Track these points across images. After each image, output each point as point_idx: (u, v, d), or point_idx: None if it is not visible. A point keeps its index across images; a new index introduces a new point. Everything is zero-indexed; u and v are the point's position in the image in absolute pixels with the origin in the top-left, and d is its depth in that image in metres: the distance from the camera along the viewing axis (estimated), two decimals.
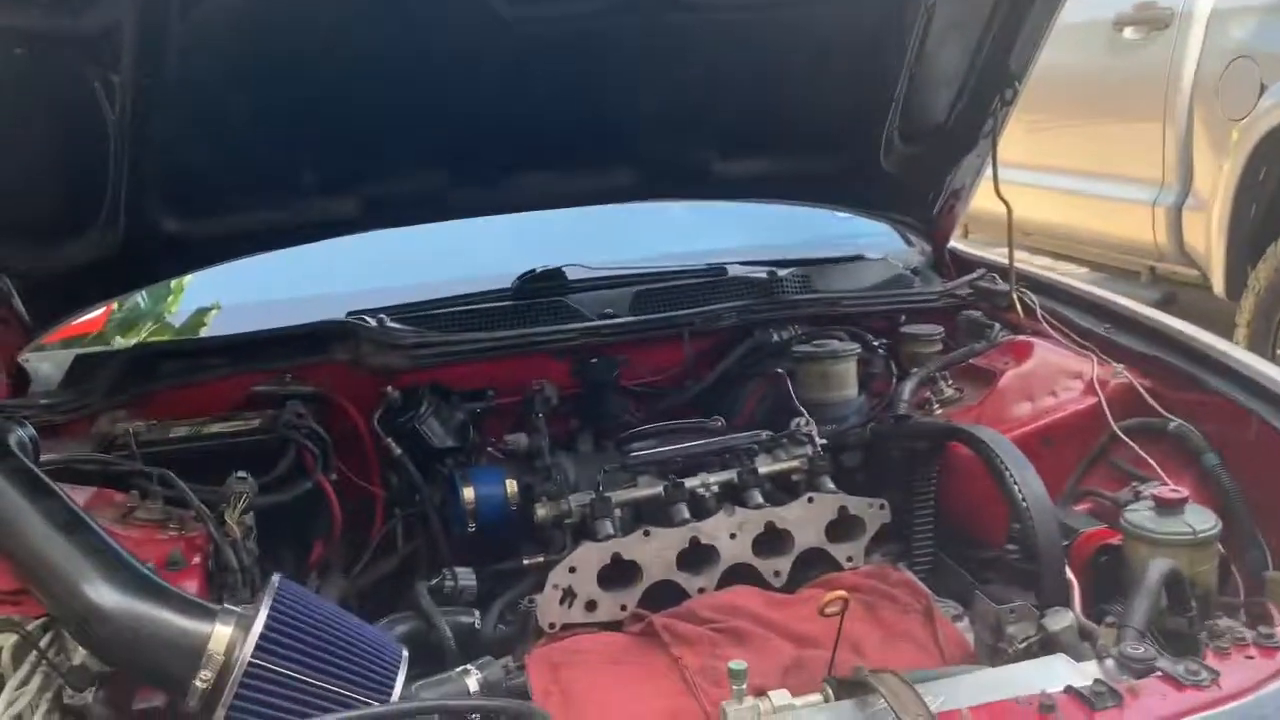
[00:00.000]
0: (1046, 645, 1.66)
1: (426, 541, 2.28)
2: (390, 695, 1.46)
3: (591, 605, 1.99)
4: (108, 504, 1.91)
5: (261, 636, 1.41)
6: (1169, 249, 5.84)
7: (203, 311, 2.94)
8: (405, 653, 1.54)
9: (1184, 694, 1.30)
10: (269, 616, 1.43)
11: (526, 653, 1.90)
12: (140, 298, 3.11)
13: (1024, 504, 1.84)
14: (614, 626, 1.99)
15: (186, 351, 2.49)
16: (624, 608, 2.00)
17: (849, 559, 2.12)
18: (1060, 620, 1.67)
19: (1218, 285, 5.54)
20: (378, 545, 2.30)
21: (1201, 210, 5.03)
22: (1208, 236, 5.30)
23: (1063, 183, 5.77)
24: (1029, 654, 1.66)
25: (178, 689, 1.41)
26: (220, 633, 1.43)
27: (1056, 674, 1.39)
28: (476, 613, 1.98)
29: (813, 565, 2.13)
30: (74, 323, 2.61)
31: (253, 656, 1.40)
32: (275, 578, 1.51)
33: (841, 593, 1.61)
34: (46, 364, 2.47)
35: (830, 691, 1.43)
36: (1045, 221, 5.84)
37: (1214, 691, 1.31)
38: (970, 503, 2.15)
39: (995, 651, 1.75)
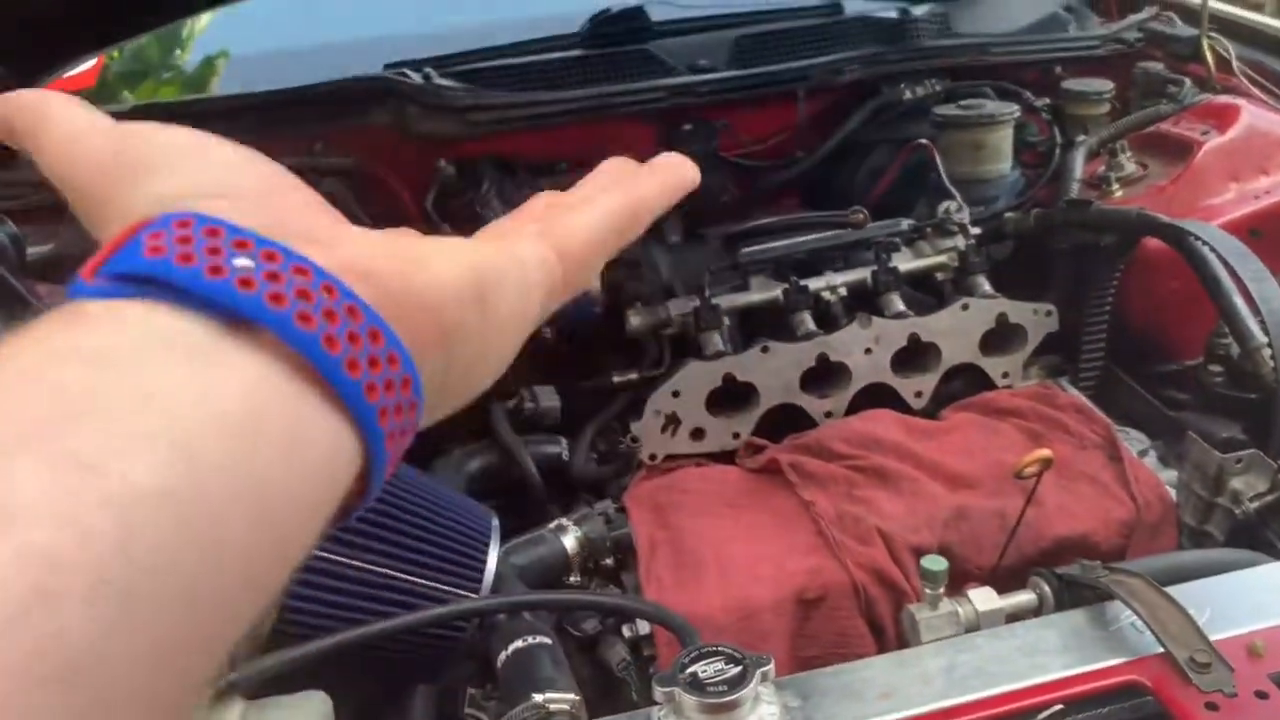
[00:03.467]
0: (1277, 510, 1.34)
1: None
2: (481, 579, 1.16)
3: (698, 433, 1.67)
4: None
5: None
6: None
7: (209, 61, 2.47)
8: (495, 521, 1.23)
9: None
10: None
11: (623, 490, 1.60)
12: (148, 42, 2.63)
13: (1258, 322, 1.45)
14: (724, 458, 1.68)
15: (195, 113, 2.07)
16: (736, 435, 1.68)
17: (1005, 375, 1.76)
18: None
19: None
20: None
21: None
22: None
23: None
24: (1261, 517, 1.34)
25: None
26: None
27: None
28: (563, 440, 1.67)
29: (957, 379, 1.79)
30: (62, 77, 2.18)
31: None
32: None
33: (1045, 453, 1.27)
34: None
35: (1047, 590, 1.11)
36: None
37: None
38: (1155, 305, 1.77)
39: (1209, 508, 1.42)
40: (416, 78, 2.01)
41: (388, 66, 2.08)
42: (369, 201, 1.97)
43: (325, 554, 1.09)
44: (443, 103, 1.96)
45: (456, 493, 1.25)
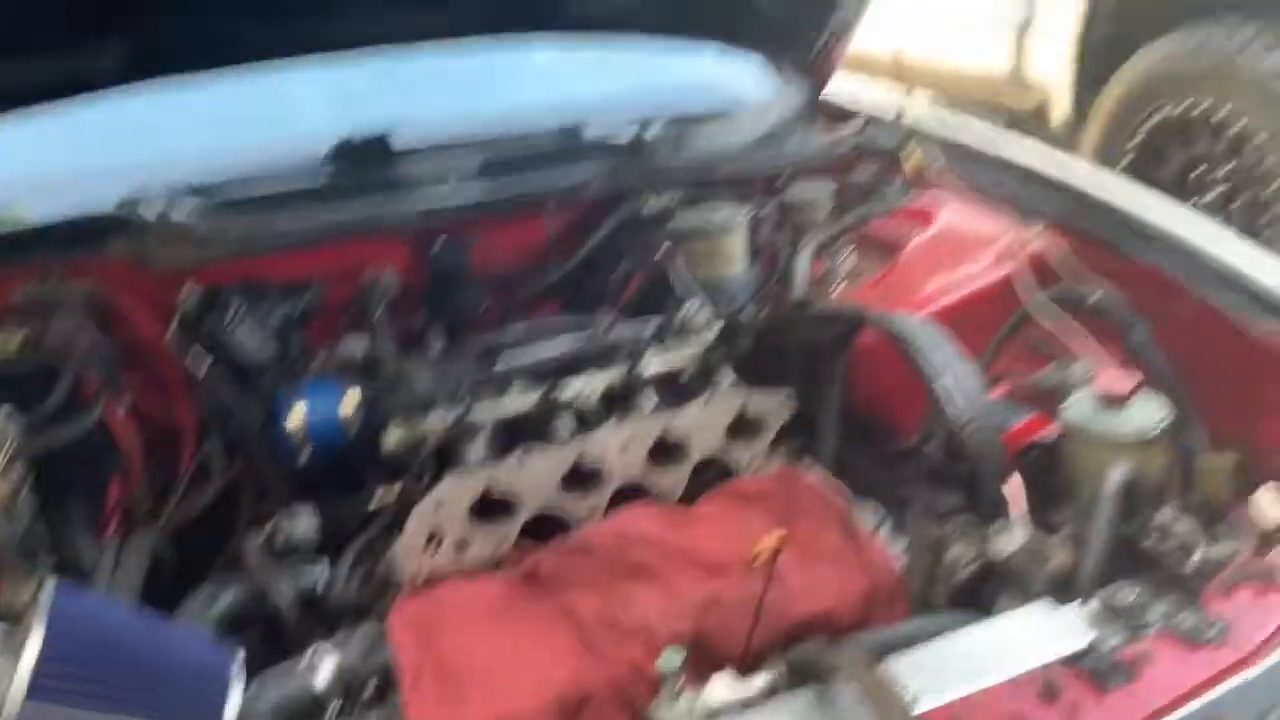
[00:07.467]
0: (990, 570, 1.47)
1: (250, 480, 1.89)
2: None
3: (462, 545, 1.67)
4: None
5: (36, 672, 1.04)
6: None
7: None
8: (238, 659, 1.19)
9: (1197, 656, 1.10)
10: (45, 644, 1.05)
11: (387, 610, 1.58)
12: None
13: (954, 402, 1.61)
14: (491, 567, 1.68)
15: None
16: (501, 544, 1.69)
17: (751, 461, 1.87)
18: (1009, 540, 1.47)
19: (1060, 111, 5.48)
20: (189, 484, 1.90)
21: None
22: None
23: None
24: (972, 582, 1.47)
25: None
26: None
27: (1042, 631, 1.17)
28: (324, 562, 1.64)
29: (708, 469, 1.88)
30: None
31: (26, 699, 1.03)
32: (49, 585, 1.12)
33: (775, 537, 1.35)
34: None
35: (780, 673, 1.17)
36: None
37: (1230, 650, 1.12)
38: (878, 390, 1.93)
39: (932, 576, 1.55)
40: (154, 208, 1.97)
41: (122, 202, 2.01)
42: (111, 333, 1.90)
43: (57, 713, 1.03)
44: (182, 232, 1.92)
45: (195, 635, 1.20)
